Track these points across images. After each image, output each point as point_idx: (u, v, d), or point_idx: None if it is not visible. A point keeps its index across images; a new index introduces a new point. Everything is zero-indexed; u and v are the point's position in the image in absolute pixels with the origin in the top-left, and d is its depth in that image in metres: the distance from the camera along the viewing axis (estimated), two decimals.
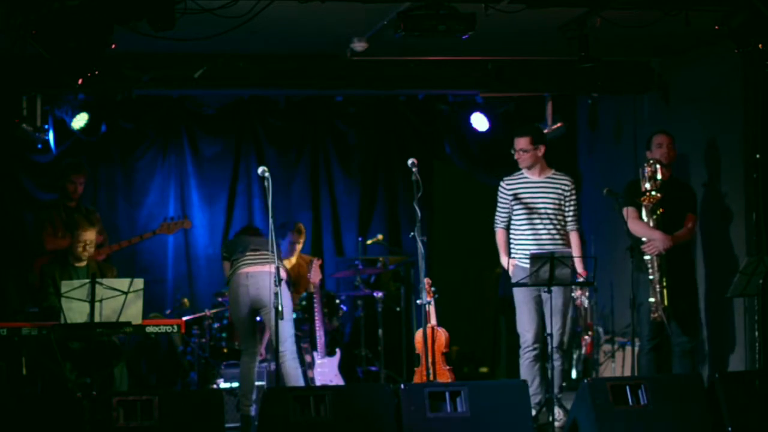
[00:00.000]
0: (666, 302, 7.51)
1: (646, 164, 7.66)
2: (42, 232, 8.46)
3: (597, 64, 7.62)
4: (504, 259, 7.66)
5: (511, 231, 7.68)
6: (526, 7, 6.95)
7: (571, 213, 7.61)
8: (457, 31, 6.84)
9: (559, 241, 7.54)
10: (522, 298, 7.55)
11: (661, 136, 7.85)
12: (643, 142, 9.47)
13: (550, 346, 7.36)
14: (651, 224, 7.60)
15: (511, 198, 7.65)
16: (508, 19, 7.03)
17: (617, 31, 7.38)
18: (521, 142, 7.63)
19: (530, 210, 7.59)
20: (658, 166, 7.63)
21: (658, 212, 7.62)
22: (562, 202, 7.60)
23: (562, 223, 7.59)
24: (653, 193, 7.58)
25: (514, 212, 7.65)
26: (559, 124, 9.83)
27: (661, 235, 7.55)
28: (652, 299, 7.52)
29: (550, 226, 7.56)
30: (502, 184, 7.76)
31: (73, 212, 8.50)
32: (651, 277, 7.52)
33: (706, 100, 8.58)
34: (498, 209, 7.75)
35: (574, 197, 7.63)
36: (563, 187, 7.62)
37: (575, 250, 7.49)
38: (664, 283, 7.52)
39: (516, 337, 7.65)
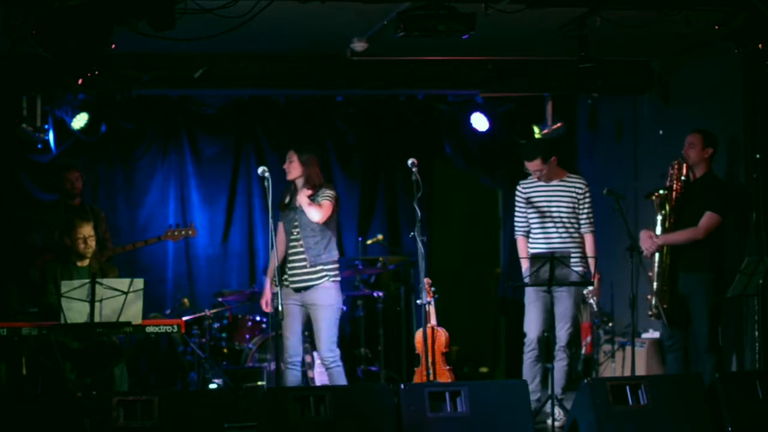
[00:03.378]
0: (663, 303, 7.53)
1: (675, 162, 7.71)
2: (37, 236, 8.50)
3: (597, 64, 7.61)
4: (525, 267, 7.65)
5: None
6: (526, 7, 6.95)
7: (584, 215, 7.60)
8: (457, 31, 6.84)
9: (571, 245, 7.51)
10: (530, 299, 7.58)
11: (689, 135, 7.73)
12: (643, 142, 9.50)
13: (554, 347, 7.40)
14: (658, 221, 7.63)
15: (526, 202, 7.67)
16: (508, 19, 7.02)
17: (617, 31, 7.38)
18: (533, 165, 7.56)
19: (544, 213, 7.58)
20: (679, 164, 7.65)
21: (666, 209, 7.63)
22: (576, 205, 7.58)
23: (576, 225, 7.58)
24: (661, 191, 7.61)
25: (529, 215, 7.66)
26: (559, 124, 9.83)
27: (643, 234, 7.55)
28: (648, 296, 7.56)
29: (563, 230, 7.54)
30: (518, 188, 7.77)
31: (76, 211, 8.50)
32: (650, 273, 7.55)
33: (706, 100, 8.58)
34: (516, 215, 7.77)
35: (588, 200, 7.61)
36: (577, 190, 7.60)
37: (590, 252, 7.50)
38: (659, 283, 7.54)
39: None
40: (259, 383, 8.28)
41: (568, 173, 7.72)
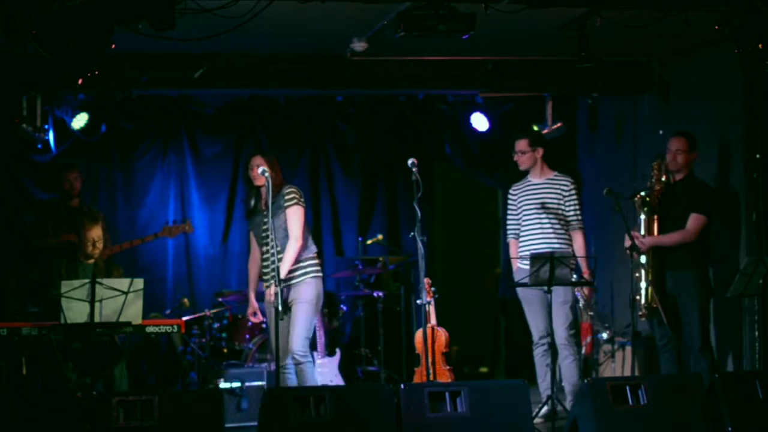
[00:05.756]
0: (651, 302, 7.53)
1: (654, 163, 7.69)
2: (40, 230, 8.48)
3: (597, 64, 7.62)
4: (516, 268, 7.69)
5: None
6: (526, 7, 6.95)
7: (572, 213, 7.63)
8: (457, 31, 6.85)
9: (559, 242, 7.55)
10: (523, 297, 7.66)
11: (671, 140, 7.70)
12: (643, 142, 9.50)
13: (553, 344, 7.41)
14: (641, 221, 7.64)
15: (516, 204, 7.78)
16: (508, 19, 7.03)
17: (617, 31, 7.38)
18: (520, 144, 7.73)
19: (532, 212, 7.64)
20: (659, 165, 7.63)
21: (647, 210, 7.64)
22: (562, 203, 7.62)
23: (563, 223, 7.61)
24: (642, 193, 7.63)
25: (520, 216, 7.75)
26: (559, 124, 9.83)
27: (634, 235, 7.57)
28: (637, 297, 7.57)
29: (550, 228, 7.59)
30: (509, 191, 7.89)
31: (76, 212, 8.51)
32: (637, 274, 7.56)
33: (706, 100, 8.58)
34: (507, 218, 7.88)
35: (574, 197, 7.65)
36: (563, 187, 7.66)
37: (579, 250, 7.51)
38: (647, 284, 7.55)
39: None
40: (259, 383, 8.27)
41: (556, 173, 7.76)
